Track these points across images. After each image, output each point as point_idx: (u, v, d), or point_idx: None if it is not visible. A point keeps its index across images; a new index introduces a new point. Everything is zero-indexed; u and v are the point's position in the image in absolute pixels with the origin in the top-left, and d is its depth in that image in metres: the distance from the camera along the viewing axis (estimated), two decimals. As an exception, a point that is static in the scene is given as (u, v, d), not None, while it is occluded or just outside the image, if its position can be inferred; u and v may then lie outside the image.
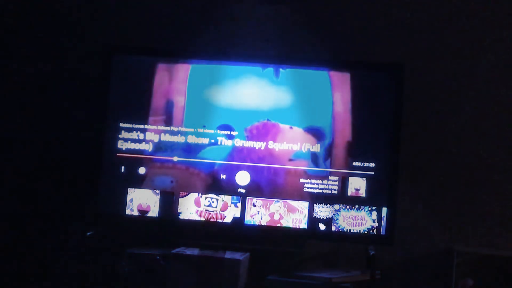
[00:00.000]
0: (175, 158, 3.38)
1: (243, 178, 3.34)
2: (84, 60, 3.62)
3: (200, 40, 3.59)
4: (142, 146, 3.39)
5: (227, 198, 3.34)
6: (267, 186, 3.34)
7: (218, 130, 3.37)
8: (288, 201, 3.32)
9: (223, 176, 3.35)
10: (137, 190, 3.37)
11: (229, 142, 3.36)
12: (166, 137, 3.39)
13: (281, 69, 3.36)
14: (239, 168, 3.35)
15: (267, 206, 3.33)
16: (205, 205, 3.35)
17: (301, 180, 3.33)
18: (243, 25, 3.60)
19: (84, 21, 3.67)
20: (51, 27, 3.68)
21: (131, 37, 3.62)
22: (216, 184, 3.35)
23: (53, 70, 3.66)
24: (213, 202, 3.35)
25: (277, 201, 3.33)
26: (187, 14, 3.64)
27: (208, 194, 3.35)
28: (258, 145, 3.35)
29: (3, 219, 3.59)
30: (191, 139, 3.38)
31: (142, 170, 3.38)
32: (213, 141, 3.37)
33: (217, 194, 3.35)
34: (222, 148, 3.36)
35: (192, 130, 3.38)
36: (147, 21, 3.65)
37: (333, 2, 3.60)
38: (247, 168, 3.35)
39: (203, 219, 3.34)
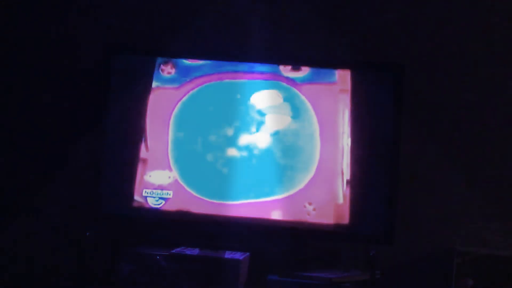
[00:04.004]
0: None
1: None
2: (84, 60, 3.62)
3: (201, 40, 3.61)
4: (143, 146, 3.39)
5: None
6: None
7: None
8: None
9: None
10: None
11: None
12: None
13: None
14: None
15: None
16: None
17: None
18: (244, 24, 3.60)
19: (84, 21, 3.67)
20: (50, 27, 3.69)
21: (131, 37, 3.62)
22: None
23: (52, 71, 3.67)
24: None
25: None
26: (187, 13, 3.65)
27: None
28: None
29: (2, 218, 3.59)
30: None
31: (142, 170, 3.38)
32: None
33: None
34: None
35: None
36: (147, 20, 3.65)
37: (333, 2, 3.61)
38: None
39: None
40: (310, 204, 3.31)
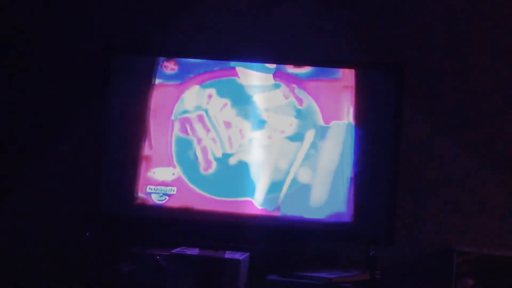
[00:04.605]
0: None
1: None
2: (84, 60, 3.62)
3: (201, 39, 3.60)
4: (146, 142, 3.38)
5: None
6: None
7: None
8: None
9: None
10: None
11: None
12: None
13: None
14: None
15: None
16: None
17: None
18: (247, 22, 3.59)
19: (84, 21, 3.67)
20: (51, 27, 3.68)
21: (131, 36, 3.62)
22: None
23: (53, 71, 3.67)
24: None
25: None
26: (188, 13, 3.65)
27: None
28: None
29: (2, 218, 3.59)
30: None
31: (146, 167, 3.38)
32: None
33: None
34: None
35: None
36: (147, 20, 3.65)
37: (334, 2, 3.61)
38: None
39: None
40: (313, 201, 3.31)
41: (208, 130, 3.37)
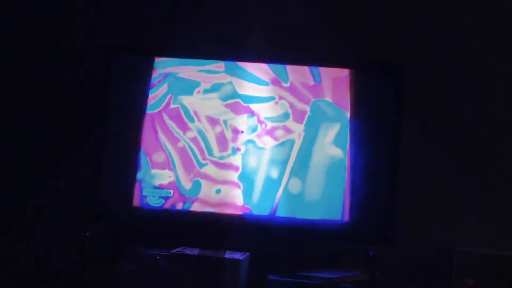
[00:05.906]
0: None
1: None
2: (84, 60, 3.62)
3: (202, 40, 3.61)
4: (143, 145, 3.39)
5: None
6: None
7: None
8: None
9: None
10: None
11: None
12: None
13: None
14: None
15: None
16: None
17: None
18: (246, 24, 3.60)
19: (84, 21, 3.67)
20: (50, 28, 3.69)
21: (131, 36, 3.62)
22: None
23: (53, 71, 3.67)
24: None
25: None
26: (188, 12, 3.65)
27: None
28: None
29: (2, 217, 3.59)
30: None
31: (141, 171, 3.38)
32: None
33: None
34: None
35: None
36: (148, 20, 3.65)
37: (334, 2, 3.61)
38: None
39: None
40: (312, 202, 3.31)
41: (201, 131, 3.37)
